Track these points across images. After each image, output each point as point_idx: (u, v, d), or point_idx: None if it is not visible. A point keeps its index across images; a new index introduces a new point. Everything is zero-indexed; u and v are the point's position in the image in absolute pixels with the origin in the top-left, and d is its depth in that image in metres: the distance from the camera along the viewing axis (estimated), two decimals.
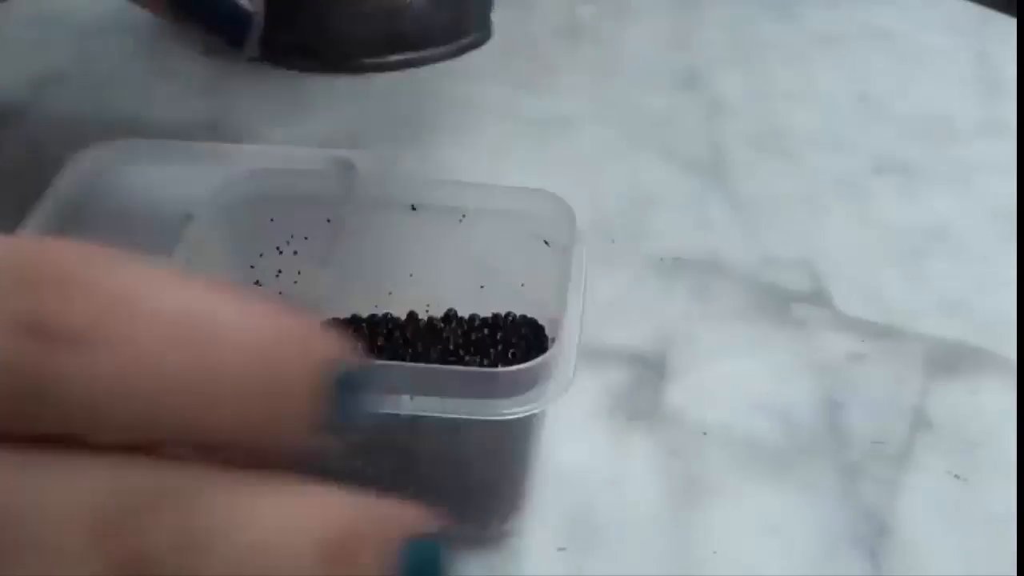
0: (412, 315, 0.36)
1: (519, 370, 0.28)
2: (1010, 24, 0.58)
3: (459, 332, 0.35)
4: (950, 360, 0.38)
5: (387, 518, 0.20)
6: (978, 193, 0.47)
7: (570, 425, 0.36)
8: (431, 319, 0.36)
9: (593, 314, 0.40)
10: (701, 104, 0.52)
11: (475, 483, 0.32)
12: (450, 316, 0.36)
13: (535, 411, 0.28)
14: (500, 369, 0.29)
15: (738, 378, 0.37)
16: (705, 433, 0.35)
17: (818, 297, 0.41)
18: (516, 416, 0.28)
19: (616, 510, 0.33)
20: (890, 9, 0.60)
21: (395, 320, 0.36)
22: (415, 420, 0.28)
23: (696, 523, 0.33)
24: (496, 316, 0.36)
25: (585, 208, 0.45)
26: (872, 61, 0.56)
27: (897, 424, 0.36)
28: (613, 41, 0.56)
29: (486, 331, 0.35)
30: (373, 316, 0.36)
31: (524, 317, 0.36)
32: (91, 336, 0.17)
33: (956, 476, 0.34)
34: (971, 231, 0.45)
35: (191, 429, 0.18)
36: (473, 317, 0.36)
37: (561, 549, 0.32)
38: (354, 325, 0.35)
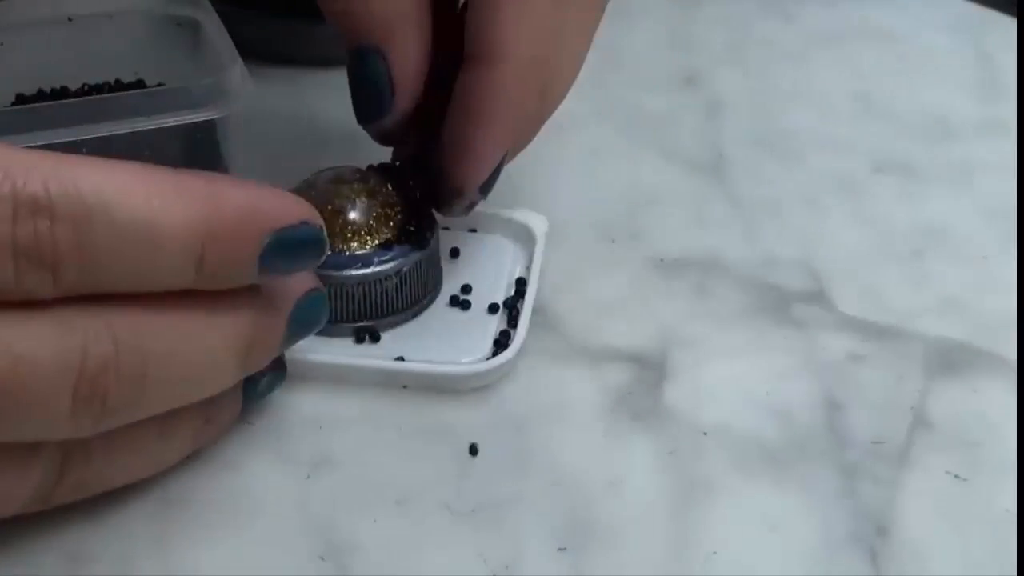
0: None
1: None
2: (1010, 24, 0.58)
3: None
4: (950, 360, 0.38)
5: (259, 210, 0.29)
6: (978, 193, 0.47)
7: (570, 425, 0.36)
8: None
9: (593, 314, 0.40)
10: (701, 104, 0.52)
11: None
12: None
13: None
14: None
15: (738, 378, 0.37)
16: (705, 433, 0.35)
17: (818, 297, 0.41)
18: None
19: (616, 510, 0.33)
20: (890, 9, 0.59)
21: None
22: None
23: (696, 523, 0.33)
24: None
25: (585, 208, 0.45)
26: (872, 61, 0.56)
27: (897, 424, 0.36)
28: (613, 41, 0.56)
29: None
30: None
31: None
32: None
33: (956, 476, 0.34)
34: (971, 231, 0.44)
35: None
36: None
37: (561, 549, 0.32)
38: None
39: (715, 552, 0.32)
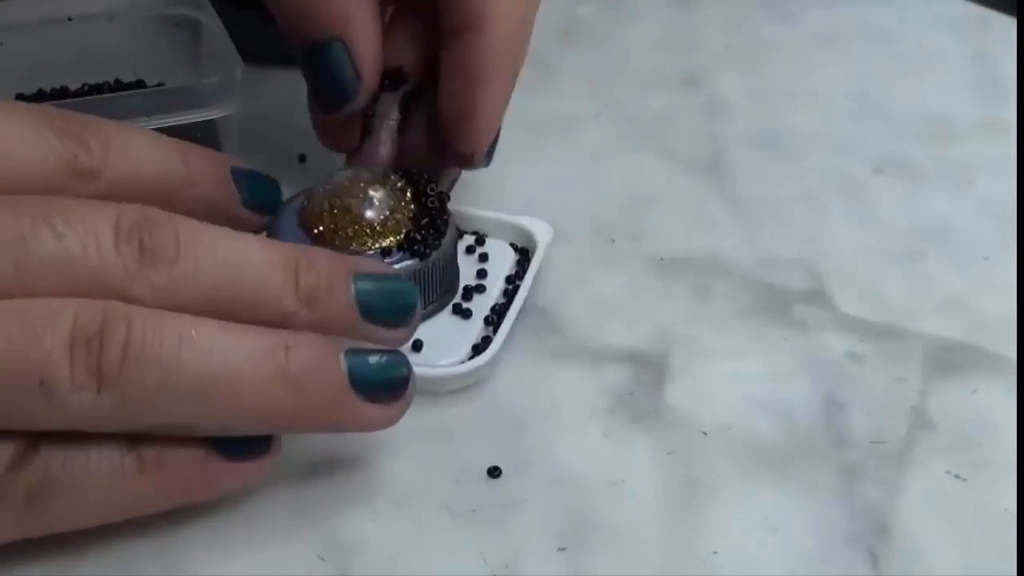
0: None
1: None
2: (1010, 24, 0.58)
3: None
4: (950, 360, 0.38)
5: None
6: (978, 193, 0.47)
7: (570, 425, 0.36)
8: None
9: (593, 314, 0.40)
10: (701, 104, 0.52)
11: None
12: None
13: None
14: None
15: (738, 378, 0.37)
16: (705, 433, 0.35)
17: (818, 297, 0.41)
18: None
19: (616, 510, 0.33)
20: (890, 9, 0.59)
21: None
22: None
23: (696, 523, 0.33)
24: None
25: (585, 208, 0.45)
26: (872, 61, 0.56)
27: (897, 424, 0.36)
28: (613, 41, 0.56)
29: None
30: None
31: None
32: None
33: (956, 476, 0.34)
34: (971, 231, 0.45)
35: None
36: None
37: (561, 549, 0.32)
38: None
39: (715, 552, 0.32)
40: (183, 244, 0.30)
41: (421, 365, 0.35)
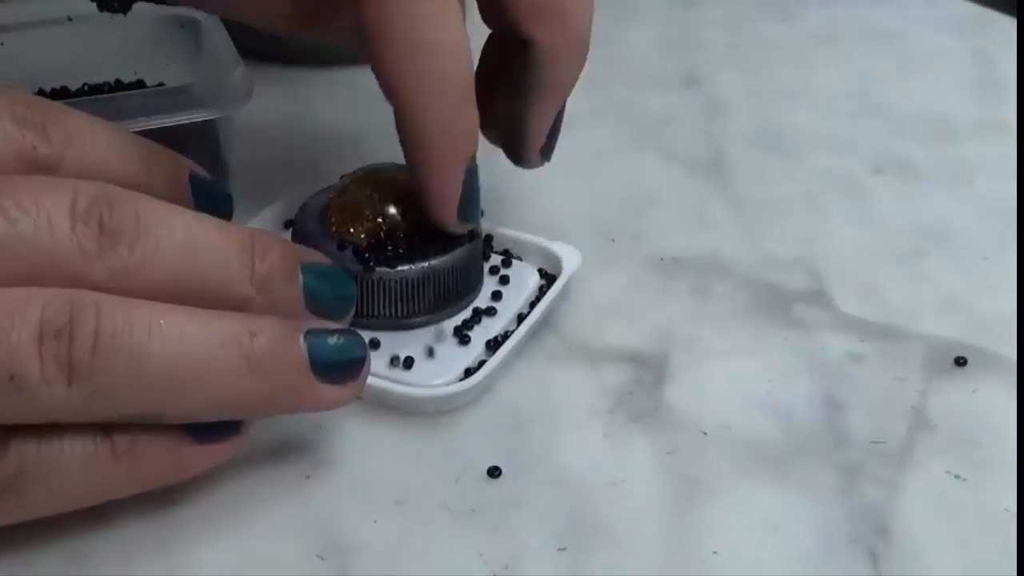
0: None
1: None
2: (1010, 24, 0.58)
3: None
4: (950, 360, 0.38)
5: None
6: (978, 193, 0.47)
7: (570, 425, 0.36)
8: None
9: (593, 314, 0.40)
10: (701, 104, 0.52)
11: None
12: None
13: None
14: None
15: (738, 378, 0.37)
16: (705, 433, 0.35)
17: (818, 297, 0.41)
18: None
19: (616, 510, 0.33)
20: (890, 9, 0.59)
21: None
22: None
23: (696, 523, 0.33)
24: None
25: (585, 208, 0.45)
26: (872, 61, 0.56)
27: (897, 424, 0.36)
28: (613, 41, 0.56)
29: None
30: None
31: None
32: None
33: (956, 476, 0.34)
34: (971, 231, 0.45)
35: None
36: None
37: (561, 549, 0.32)
38: None
39: (715, 552, 0.32)
40: (143, 224, 0.30)
41: (405, 384, 0.36)
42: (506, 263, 0.40)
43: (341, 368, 0.32)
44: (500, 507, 0.33)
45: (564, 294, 0.39)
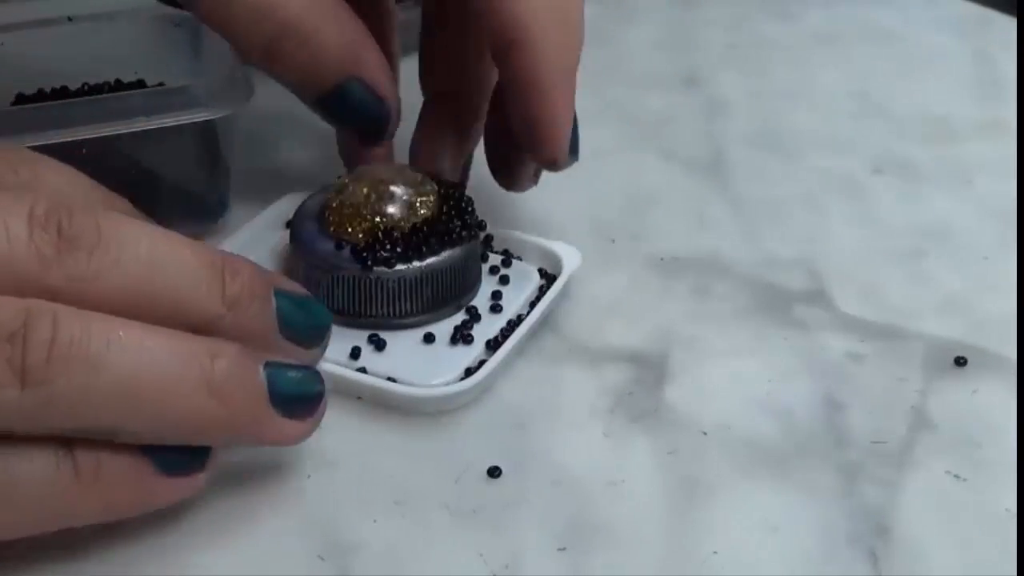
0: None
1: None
2: (1010, 24, 0.58)
3: None
4: (950, 360, 0.38)
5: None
6: (978, 193, 0.47)
7: (570, 425, 0.36)
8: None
9: (593, 314, 0.40)
10: (701, 104, 0.52)
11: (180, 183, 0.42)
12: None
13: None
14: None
15: (738, 378, 0.37)
16: (705, 433, 0.35)
17: (818, 297, 0.41)
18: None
19: (616, 510, 0.33)
20: (890, 9, 0.60)
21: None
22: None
23: (696, 523, 0.33)
24: None
25: (585, 208, 0.45)
26: (872, 61, 0.56)
27: (897, 424, 0.36)
28: (613, 41, 0.56)
29: None
30: None
31: None
32: None
33: (956, 476, 0.34)
34: (971, 231, 0.45)
35: None
36: None
37: (561, 549, 0.32)
38: None
39: (715, 552, 0.32)
40: (104, 233, 0.29)
41: (405, 384, 0.36)
42: (506, 263, 0.40)
43: (299, 402, 0.31)
44: (500, 507, 0.33)
45: (564, 294, 0.40)
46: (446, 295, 0.38)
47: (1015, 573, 0.32)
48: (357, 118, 0.38)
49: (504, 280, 0.40)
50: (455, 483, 0.34)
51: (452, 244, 0.37)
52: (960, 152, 0.49)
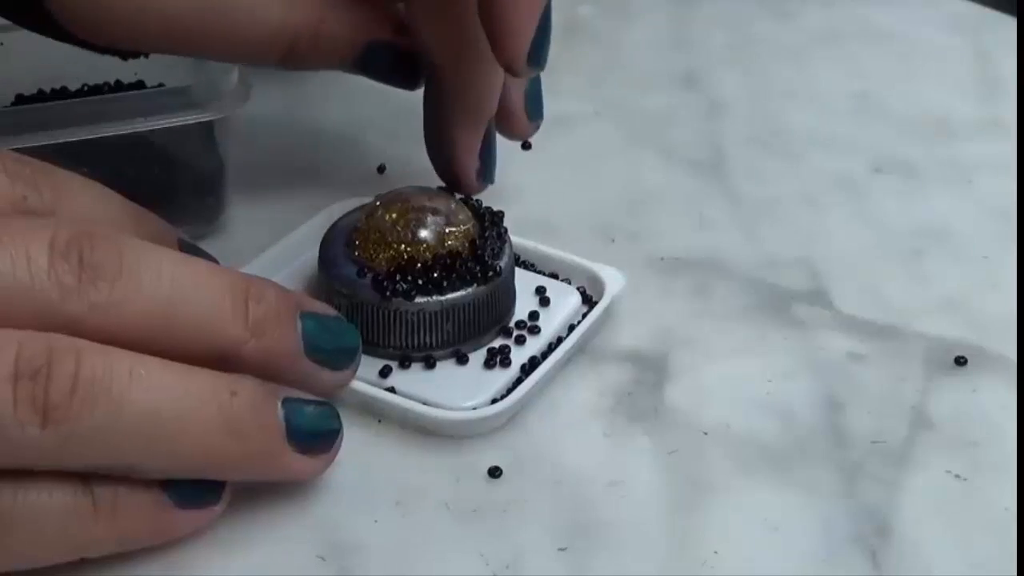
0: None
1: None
2: (1010, 24, 0.58)
3: None
4: (950, 360, 0.38)
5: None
6: (978, 193, 0.47)
7: (570, 425, 0.36)
8: None
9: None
10: (701, 104, 0.52)
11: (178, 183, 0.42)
12: None
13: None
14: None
15: (738, 378, 0.37)
16: (705, 433, 0.35)
17: (818, 297, 0.41)
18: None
19: (616, 510, 0.33)
20: (890, 9, 0.59)
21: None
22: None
23: (696, 523, 0.33)
24: None
25: (585, 208, 0.45)
26: (872, 61, 0.56)
27: (897, 424, 0.36)
28: (613, 41, 0.56)
29: None
30: None
31: None
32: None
33: (956, 476, 0.34)
34: (971, 231, 0.45)
35: None
36: None
37: (561, 549, 0.32)
38: None
39: (715, 552, 0.32)
40: (126, 261, 0.29)
41: (435, 407, 0.35)
42: (546, 284, 0.39)
43: (316, 438, 0.31)
44: (501, 507, 0.33)
45: (606, 315, 0.39)
46: (469, 330, 0.36)
47: (1015, 573, 0.32)
48: (394, 71, 0.39)
49: (545, 302, 0.38)
50: (455, 483, 0.34)
51: (478, 281, 0.36)
52: (960, 152, 0.49)
